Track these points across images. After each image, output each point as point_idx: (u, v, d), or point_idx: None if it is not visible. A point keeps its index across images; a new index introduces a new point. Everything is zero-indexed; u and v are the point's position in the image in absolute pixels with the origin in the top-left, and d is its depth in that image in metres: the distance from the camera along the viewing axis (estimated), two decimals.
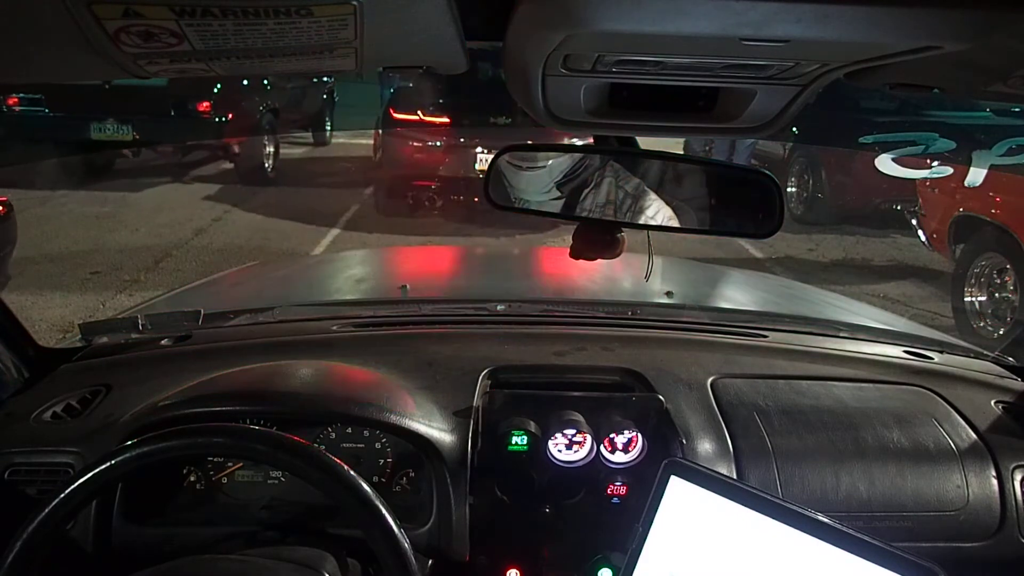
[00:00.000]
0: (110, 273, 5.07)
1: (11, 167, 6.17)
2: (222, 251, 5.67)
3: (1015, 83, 0.61)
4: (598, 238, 1.03)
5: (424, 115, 6.32)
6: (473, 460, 1.13)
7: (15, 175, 6.30)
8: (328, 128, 9.83)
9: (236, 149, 7.31)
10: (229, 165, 7.76)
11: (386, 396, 1.18)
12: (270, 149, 7.73)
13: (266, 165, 7.59)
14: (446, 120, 6.25)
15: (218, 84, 6.59)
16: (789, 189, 7.59)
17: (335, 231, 6.32)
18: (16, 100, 6.36)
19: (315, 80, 9.14)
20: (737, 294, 2.49)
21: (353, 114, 10.61)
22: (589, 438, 1.15)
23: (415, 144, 6.25)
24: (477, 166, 5.98)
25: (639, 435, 1.16)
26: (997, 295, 4.59)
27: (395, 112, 6.54)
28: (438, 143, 6.19)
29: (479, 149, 5.92)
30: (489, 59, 5.52)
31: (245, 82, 7.02)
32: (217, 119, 6.86)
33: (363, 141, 9.03)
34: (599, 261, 1.05)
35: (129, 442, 0.92)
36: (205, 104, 6.74)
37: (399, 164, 6.53)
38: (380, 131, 6.92)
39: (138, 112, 6.46)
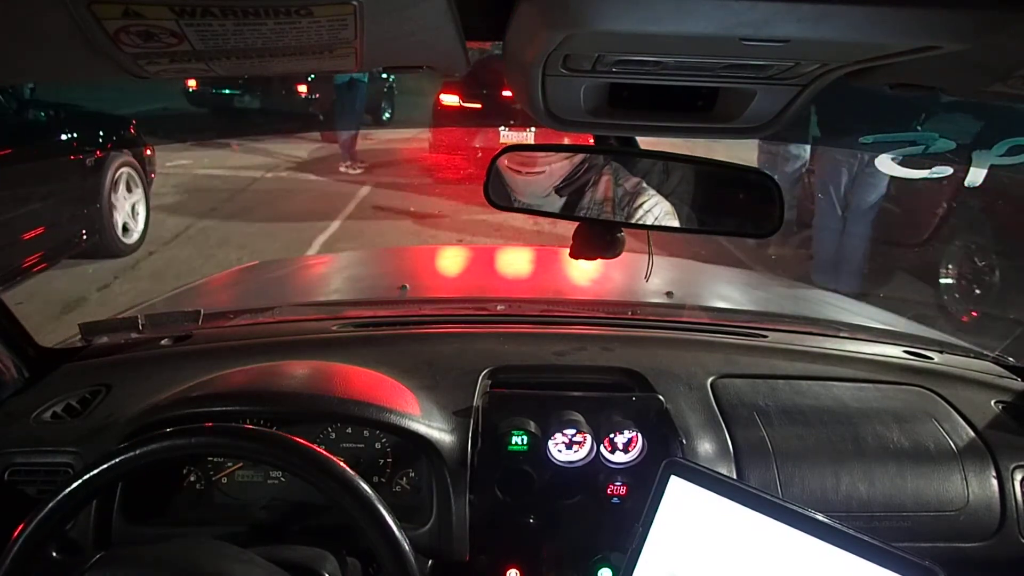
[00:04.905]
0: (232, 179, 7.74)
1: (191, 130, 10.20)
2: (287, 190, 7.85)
3: (1015, 83, 0.61)
4: (598, 238, 1.03)
5: (463, 101, 8.38)
6: (473, 460, 1.13)
7: (181, 128, 10.18)
8: (387, 115, 12.26)
9: (321, 118, 10.21)
10: (315, 133, 10.38)
11: (386, 396, 1.17)
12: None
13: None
14: (479, 105, 8.28)
15: (311, 74, 8.86)
16: (944, 279, 4.39)
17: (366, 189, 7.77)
18: (197, 84, 9.63)
19: (379, 75, 11.49)
20: (737, 294, 2.48)
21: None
22: (589, 438, 1.15)
23: (458, 122, 8.70)
24: (501, 140, 7.89)
25: (639, 435, 1.16)
26: None
27: (442, 100, 8.55)
28: (473, 122, 8.40)
29: (502, 128, 7.93)
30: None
31: None
32: (309, 97, 10.02)
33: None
34: (599, 261, 1.05)
35: (129, 442, 0.92)
36: (304, 88, 9.92)
37: (445, 135, 9.17)
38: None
39: (262, 90, 9.90)
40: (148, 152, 5.81)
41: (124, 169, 5.28)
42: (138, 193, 5.50)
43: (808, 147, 5.31)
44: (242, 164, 8.74)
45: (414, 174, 8.69)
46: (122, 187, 5.24)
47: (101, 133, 5.29)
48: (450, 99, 8.46)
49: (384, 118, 12.08)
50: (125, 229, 5.30)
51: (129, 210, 5.35)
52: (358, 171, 8.46)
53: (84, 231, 4.85)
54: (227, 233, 5.91)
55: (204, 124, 10.45)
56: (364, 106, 9.27)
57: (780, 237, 5.42)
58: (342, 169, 8.49)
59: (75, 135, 4.96)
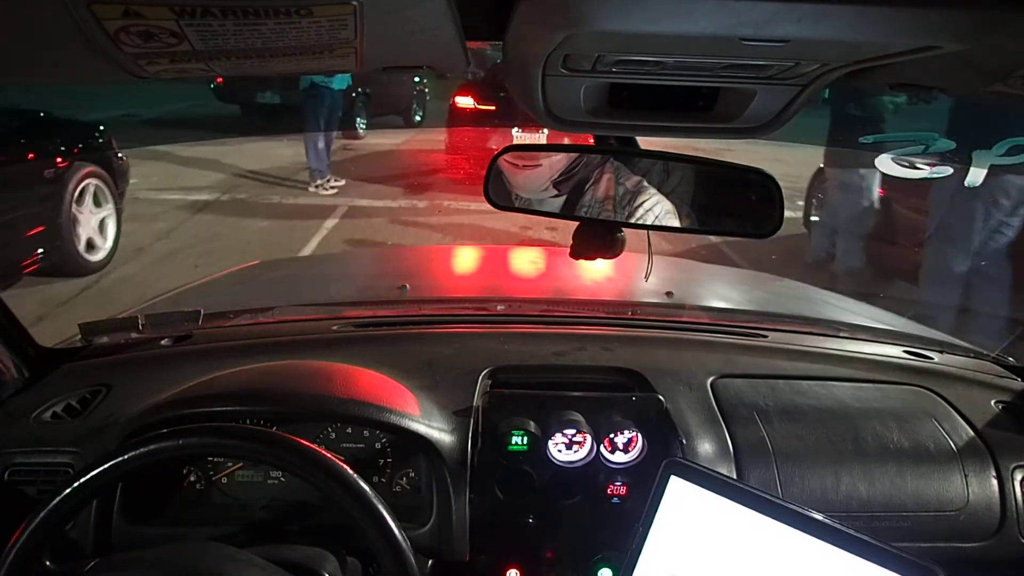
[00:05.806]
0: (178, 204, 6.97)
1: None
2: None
3: (1015, 83, 0.61)
4: (598, 238, 1.03)
5: (478, 104, 8.66)
6: (473, 460, 1.13)
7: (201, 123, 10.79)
8: (418, 117, 12.61)
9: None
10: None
11: (386, 396, 1.17)
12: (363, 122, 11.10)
13: (358, 129, 10.86)
14: (493, 107, 8.52)
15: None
16: None
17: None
18: (222, 80, 9.85)
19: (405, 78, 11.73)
20: (737, 294, 2.48)
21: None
22: (589, 438, 1.15)
23: (472, 124, 8.94)
24: (514, 140, 8.02)
25: (639, 435, 1.16)
26: None
27: (457, 102, 8.85)
28: (487, 124, 8.71)
29: (515, 129, 8.07)
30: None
31: None
32: None
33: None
34: (599, 261, 1.05)
35: (128, 442, 0.92)
36: None
37: (461, 137, 9.37)
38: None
39: (282, 87, 10.32)
40: (121, 162, 5.42)
41: (90, 180, 4.92)
42: (107, 207, 5.12)
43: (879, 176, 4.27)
44: (195, 184, 7.47)
45: (399, 193, 7.63)
46: (88, 201, 4.91)
47: (65, 141, 4.88)
48: (465, 101, 8.79)
49: (415, 120, 12.36)
50: (90, 246, 4.92)
51: (96, 226, 4.99)
52: (331, 191, 7.40)
53: (41, 249, 4.44)
54: (150, 285, 4.56)
55: (175, 132, 9.99)
56: (337, 115, 8.30)
57: (844, 288, 4.29)
58: (311, 189, 7.45)
59: (36, 143, 4.64)
